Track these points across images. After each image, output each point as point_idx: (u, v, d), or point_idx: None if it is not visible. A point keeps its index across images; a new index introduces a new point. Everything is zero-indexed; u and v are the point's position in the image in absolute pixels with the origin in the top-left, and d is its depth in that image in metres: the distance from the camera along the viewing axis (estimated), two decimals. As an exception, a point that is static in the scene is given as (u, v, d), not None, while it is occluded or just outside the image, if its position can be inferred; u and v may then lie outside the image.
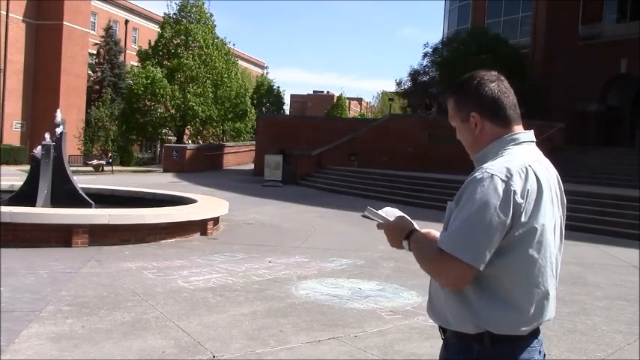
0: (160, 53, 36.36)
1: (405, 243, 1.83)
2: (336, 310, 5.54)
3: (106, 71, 43.34)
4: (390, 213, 1.92)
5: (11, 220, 7.81)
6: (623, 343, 4.97)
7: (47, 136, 10.08)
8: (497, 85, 1.82)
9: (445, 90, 25.70)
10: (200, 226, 9.74)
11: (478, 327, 1.70)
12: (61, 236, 8.01)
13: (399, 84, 35.08)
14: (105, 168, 28.25)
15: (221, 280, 6.59)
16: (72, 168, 13.56)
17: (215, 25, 37.77)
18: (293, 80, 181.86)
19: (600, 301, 6.47)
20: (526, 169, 1.71)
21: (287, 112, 69.77)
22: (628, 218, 12.37)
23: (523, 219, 1.67)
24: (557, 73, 27.68)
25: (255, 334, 4.71)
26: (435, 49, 32.06)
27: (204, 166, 28.61)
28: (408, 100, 38.67)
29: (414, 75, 33.15)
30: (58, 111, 10.68)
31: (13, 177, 15.31)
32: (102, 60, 43.68)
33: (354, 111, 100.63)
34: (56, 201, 9.57)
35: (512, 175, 1.67)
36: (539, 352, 1.77)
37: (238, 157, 34.49)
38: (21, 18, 35.62)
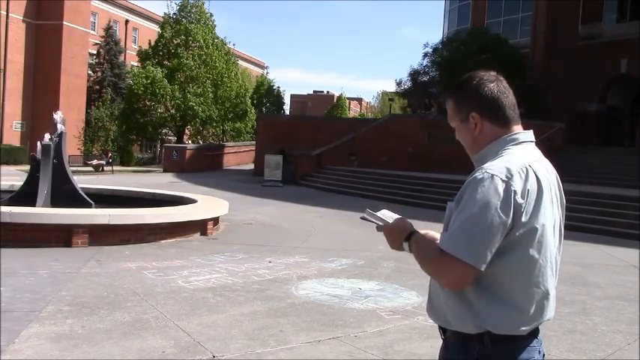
0: (160, 53, 36.37)
1: (405, 244, 1.82)
2: (336, 310, 5.54)
3: (106, 71, 43.34)
4: (388, 215, 1.92)
5: (11, 220, 7.81)
6: (623, 343, 4.97)
7: (47, 136, 10.08)
8: (497, 85, 1.82)
9: (445, 90, 25.72)
10: (200, 226, 9.74)
11: (478, 327, 1.70)
12: (61, 236, 8.01)
13: (399, 84, 35.14)
14: (105, 168, 28.25)
15: (221, 280, 6.59)
16: (72, 168, 13.56)
17: (215, 25, 37.81)
18: (293, 80, 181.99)
19: (600, 301, 6.47)
20: (526, 169, 1.71)
21: (287, 112, 69.79)
22: (628, 218, 12.37)
23: (524, 219, 1.67)
24: (557, 73, 27.68)
25: (255, 334, 4.71)
26: (435, 49, 32.08)
27: (204, 166, 28.62)
28: (408, 100, 38.70)
29: (414, 75, 33.18)
30: (59, 112, 10.66)
31: (13, 177, 15.31)
32: (102, 60, 43.68)
33: (354, 111, 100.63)
34: (56, 201, 9.58)
35: (512, 175, 1.67)
36: (539, 351, 1.77)
37: (238, 157, 34.49)
38: (21, 18, 35.63)
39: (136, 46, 43.87)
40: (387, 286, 6.69)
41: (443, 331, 1.84)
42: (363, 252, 8.77)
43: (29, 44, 36.24)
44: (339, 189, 19.64)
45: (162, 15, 38.02)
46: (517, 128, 1.83)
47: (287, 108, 73.89)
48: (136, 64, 40.12)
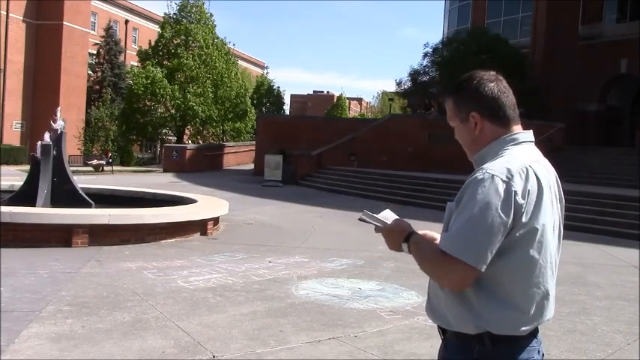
0: (160, 53, 36.37)
1: (404, 245, 1.82)
2: (336, 310, 5.54)
3: (106, 71, 43.32)
4: (387, 216, 1.91)
5: (11, 220, 7.81)
6: (623, 343, 4.97)
7: (47, 135, 10.07)
8: (497, 85, 1.82)
9: (445, 90, 25.65)
10: (200, 226, 9.74)
11: (478, 327, 1.70)
12: (61, 236, 8.01)
13: (399, 84, 35.13)
14: (105, 168, 28.25)
15: (221, 280, 6.59)
16: (72, 168, 13.56)
17: (215, 25, 37.82)
18: (293, 80, 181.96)
19: (600, 301, 6.47)
20: (526, 169, 1.71)
21: (287, 112, 69.79)
22: (628, 218, 12.37)
23: (524, 219, 1.67)
24: (557, 73, 27.68)
25: (255, 334, 4.71)
26: (435, 49, 32.07)
27: (204, 166, 28.62)
28: (408, 100, 38.69)
29: (414, 75, 33.16)
30: (58, 111, 10.64)
31: (13, 177, 15.31)
32: (102, 60, 43.67)
33: (354, 111, 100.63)
34: (56, 201, 9.58)
35: (512, 175, 1.67)
36: (539, 351, 1.77)
37: (238, 157, 34.50)
38: (21, 18, 35.62)
39: (136, 46, 43.86)
40: (387, 286, 6.69)
41: (442, 331, 1.84)
42: (363, 252, 8.77)
43: (29, 44, 36.24)
44: (339, 189, 19.64)
45: (163, 15, 38.05)
46: (517, 128, 1.83)
47: (287, 108, 73.90)
48: (136, 64, 40.12)
